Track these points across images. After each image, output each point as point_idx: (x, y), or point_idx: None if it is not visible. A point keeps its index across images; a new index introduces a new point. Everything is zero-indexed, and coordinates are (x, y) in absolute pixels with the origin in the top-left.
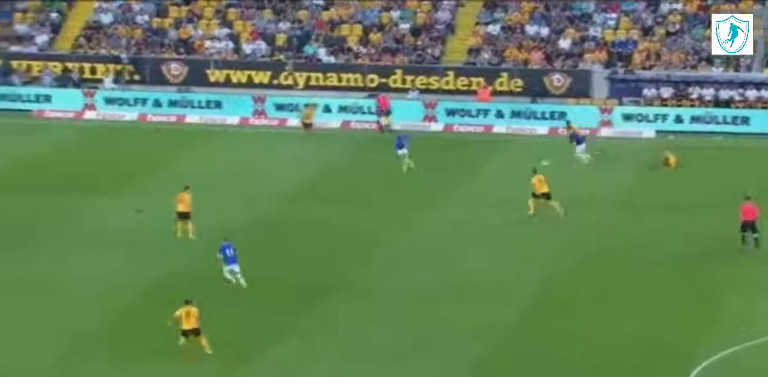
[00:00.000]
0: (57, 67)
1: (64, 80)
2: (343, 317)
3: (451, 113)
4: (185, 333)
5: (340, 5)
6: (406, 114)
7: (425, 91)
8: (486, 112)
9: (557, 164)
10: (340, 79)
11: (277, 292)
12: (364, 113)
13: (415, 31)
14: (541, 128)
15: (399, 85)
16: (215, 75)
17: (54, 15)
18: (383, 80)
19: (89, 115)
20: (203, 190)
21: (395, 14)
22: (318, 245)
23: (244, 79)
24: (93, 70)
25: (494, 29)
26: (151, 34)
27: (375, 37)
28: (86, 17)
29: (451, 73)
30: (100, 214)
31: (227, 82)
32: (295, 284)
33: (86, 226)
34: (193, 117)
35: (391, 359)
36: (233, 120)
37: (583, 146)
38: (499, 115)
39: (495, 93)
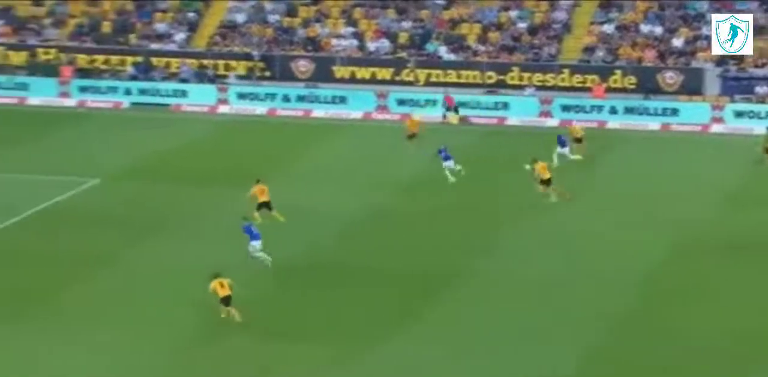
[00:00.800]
0: (193, 63)
1: (199, 76)
2: (463, 305)
3: (566, 109)
4: (222, 301)
5: (460, 5)
6: (523, 110)
7: (541, 88)
8: (600, 108)
9: (666, 160)
10: (459, 76)
11: (401, 281)
12: (482, 108)
13: (533, 30)
14: (654, 124)
15: (516, 82)
16: (341, 72)
17: (191, 14)
18: (501, 77)
19: (222, 109)
20: (327, 182)
21: (513, 14)
22: (440, 236)
23: (367, 76)
24: (227, 67)
25: (609, 28)
26: (281, 32)
27: (493, 35)
28: (221, 17)
29: (566, 71)
30: (230, 205)
31: (352, 79)
32: (418, 272)
33: (216, 217)
34: (319, 112)
35: (506, 345)
36: (357, 115)
37: (566, 149)
38: (613, 111)
39: (609, 90)
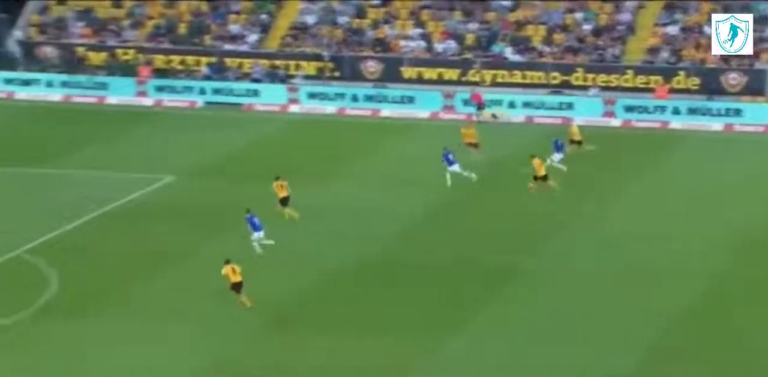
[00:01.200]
0: (265, 64)
1: (271, 76)
2: (522, 302)
3: (629, 109)
4: (233, 287)
5: (526, 7)
6: (587, 110)
7: (605, 88)
8: (663, 108)
9: (729, 161)
10: (524, 77)
11: (461, 278)
12: (546, 108)
13: (597, 32)
14: (717, 125)
15: (580, 82)
16: (408, 72)
17: (264, 16)
18: (565, 78)
19: (293, 108)
20: (392, 181)
21: (579, 15)
22: (501, 234)
23: (434, 76)
24: (297, 67)
25: (673, 30)
26: (351, 33)
27: (558, 37)
28: (292, 18)
29: (630, 72)
30: (300, 203)
31: (419, 79)
32: (477, 270)
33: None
34: (387, 111)
35: (565, 343)
36: (424, 114)
37: (560, 155)
38: (676, 111)
39: (672, 91)
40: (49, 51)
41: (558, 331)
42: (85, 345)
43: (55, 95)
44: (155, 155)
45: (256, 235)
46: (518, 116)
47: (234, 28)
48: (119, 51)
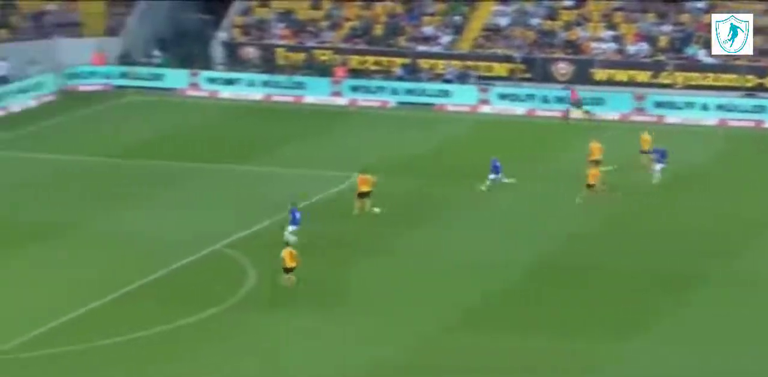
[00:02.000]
0: (457, 65)
1: (463, 77)
2: (709, 305)
3: None
4: (287, 271)
5: (721, 9)
6: None
7: None
8: None
9: None
10: (717, 79)
11: (645, 281)
12: (739, 111)
13: None
14: None
15: None
16: (599, 74)
17: (457, 18)
18: (760, 81)
19: (484, 109)
20: (581, 182)
21: None
22: (685, 237)
23: (625, 78)
24: (489, 69)
25: None
26: (543, 35)
27: (755, 39)
28: (485, 20)
29: None
30: (486, 201)
31: (610, 81)
32: (662, 273)
33: (475, 212)
34: (576, 113)
35: (755, 344)
36: (614, 116)
37: (662, 164)
38: None
39: None
40: (251, 52)
41: (747, 336)
42: (281, 338)
43: (257, 94)
44: (348, 154)
45: (290, 228)
46: (711, 119)
47: (427, 29)
48: (317, 52)
